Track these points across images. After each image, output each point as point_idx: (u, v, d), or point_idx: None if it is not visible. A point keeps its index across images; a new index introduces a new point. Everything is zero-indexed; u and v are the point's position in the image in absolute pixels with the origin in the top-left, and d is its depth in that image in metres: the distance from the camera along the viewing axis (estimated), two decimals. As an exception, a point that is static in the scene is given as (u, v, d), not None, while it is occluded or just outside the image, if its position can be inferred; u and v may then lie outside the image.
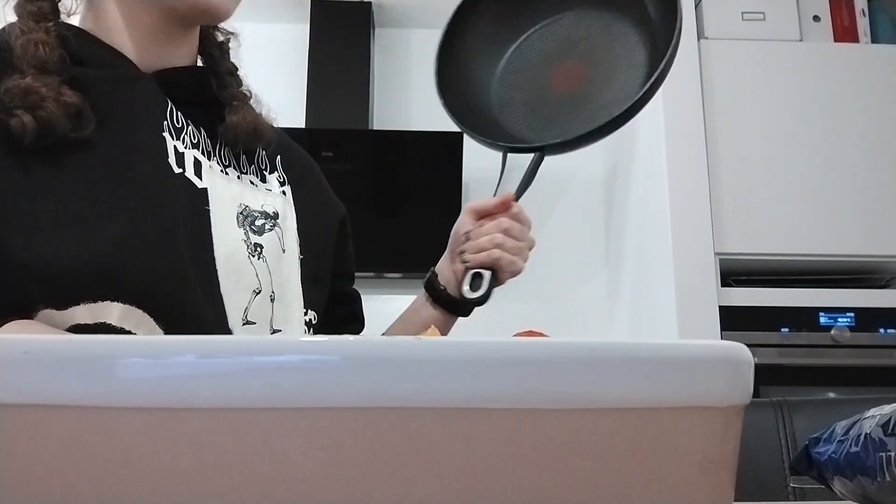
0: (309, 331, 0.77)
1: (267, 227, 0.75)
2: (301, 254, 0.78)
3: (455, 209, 2.50)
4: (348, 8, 2.49)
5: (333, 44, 2.46)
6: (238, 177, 0.76)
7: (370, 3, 2.51)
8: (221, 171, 0.74)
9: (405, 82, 2.66)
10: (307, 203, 0.82)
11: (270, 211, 0.76)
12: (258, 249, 0.73)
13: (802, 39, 2.06)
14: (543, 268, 2.55)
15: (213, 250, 0.68)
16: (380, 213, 2.39)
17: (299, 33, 2.52)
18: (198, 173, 0.71)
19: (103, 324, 0.61)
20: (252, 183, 0.77)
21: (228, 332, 0.68)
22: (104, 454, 0.28)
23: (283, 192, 0.81)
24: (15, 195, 0.62)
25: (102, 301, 0.61)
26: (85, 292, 0.61)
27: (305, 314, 0.77)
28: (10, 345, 0.29)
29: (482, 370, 0.29)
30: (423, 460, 0.29)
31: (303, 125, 2.39)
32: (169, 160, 0.69)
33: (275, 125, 0.83)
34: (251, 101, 0.82)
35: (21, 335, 0.30)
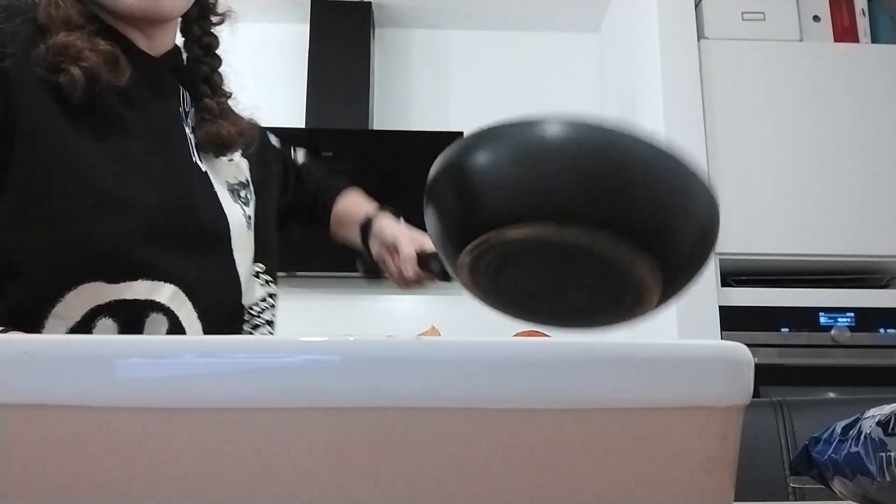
0: (258, 277, 0.81)
1: (249, 197, 0.79)
2: (255, 211, 0.81)
3: (455, 209, 2.49)
4: (348, 8, 2.49)
5: (333, 44, 2.46)
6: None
7: (370, 3, 2.51)
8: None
9: (405, 82, 2.66)
10: (255, 160, 0.85)
11: (244, 179, 0.80)
12: (250, 221, 0.78)
13: (802, 39, 2.06)
14: (543, 268, 2.55)
15: (229, 230, 0.73)
16: (380, 213, 2.39)
17: (299, 33, 2.52)
18: (200, 157, 0.75)
19: (154, 301, 0.65)
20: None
21: (240, 303, 0.74)
22: (104, 454, 0.28)
23: (244, 157, 0.84)
24: (88, 172, 0.64)
25: (158, 281, 0.65)
26: (144, 271, 0.64)
27: (257, 264, 0.81)
28: (10, 345, 0.29)
29: (482, 370, 0.29)
30: (423, 460, 0.29)
31: (303, 125, 2.39)
32: (192, 155, 0.73)
33: (253, 122, 0.85)
34: (231, 100, 0.83)
35: (21, 335, 0.30)
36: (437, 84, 2.66)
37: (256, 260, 0.81)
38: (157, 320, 0.65)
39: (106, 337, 0.30)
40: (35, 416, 0.28)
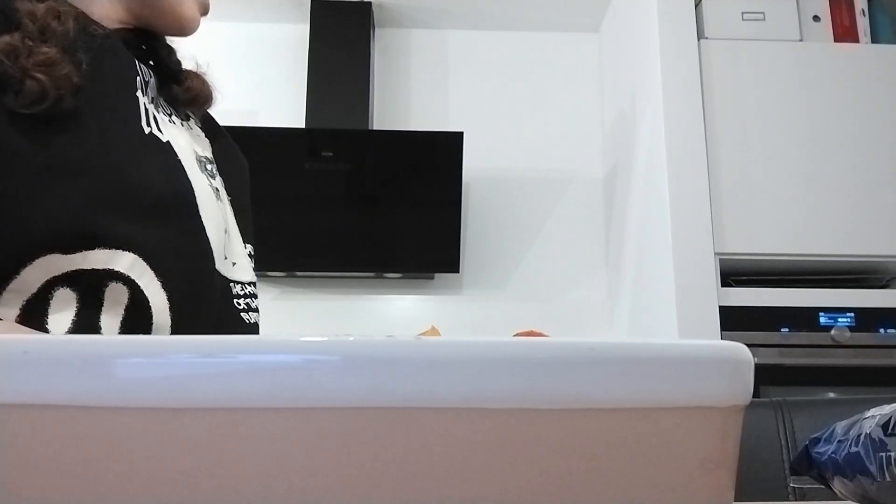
0: (252, 260, 0.82)
1: (215, 171, 0.79)
2: (228, 194, 0.82)
3: (455, 209, 2.52)
4: (348, 8, 2.49)
5: (333, 44, 2.46)
6: (181, 124, 0.79)
7: (370, 3, 2.51)
8: (169, 120, 0.77)
9: (405, 82, 2.66)
10: (218, 145, 0.85)
11: (209, 155, 0.80)
12: (218, 193, 0.77)
13: (802, 39, 2.06)
14: (543, 268, 2.55)
15: (195, 198, 0.72)
16: (379, 213, 2.39)
17: (299, 33, 2.52)
18: (159, 128, 0.73)
19: (112, 270, 0.63)
20: (189, 128, 0.81)
21: (215, 271, 0.73)
22: (104, 454, 0.28)
23: (206, 137, 0.84)
24: (28, 145, 0.62)
25: (116, 249, 0.63)
26: (100, 239, 0.63)
27: (245, 247, 0.82)
28: (10, 345, 0.29)
29: (482, 370, 0.29)
30: (423, 460, 0.29)
31: (303, 125, 2.39)
32: (146, 124, 0.71)
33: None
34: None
35: (21, 335, 0.30)
36: (437, 84, 2.66)
37: (246, 241, 0.81)
38: (117, 289, 0.64)
39: (106, 337, 0.30)
40: (35, 416, 0.28)
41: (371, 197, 2.39)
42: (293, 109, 2.44)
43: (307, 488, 0.29)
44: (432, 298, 2.51)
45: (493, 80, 2.65)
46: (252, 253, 0.83)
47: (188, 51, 0.84)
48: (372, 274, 2.42)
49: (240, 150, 0.91)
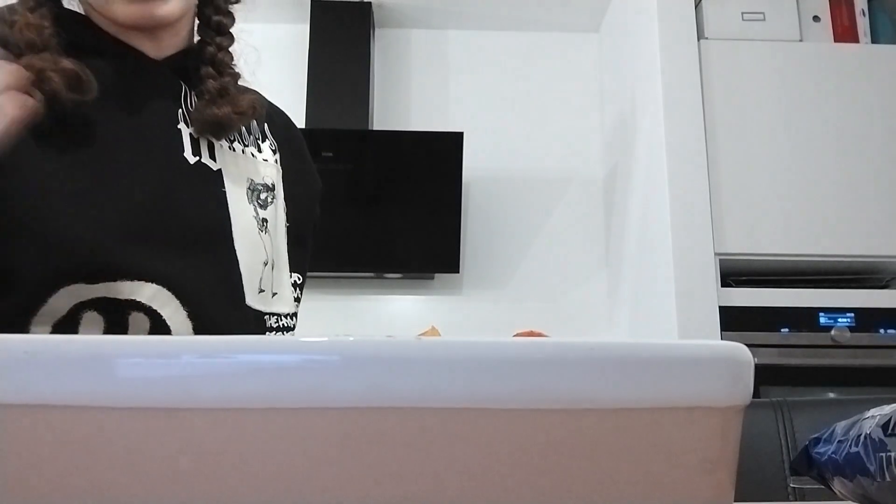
0: (296, 290, 0.82)
1: (269, 200, 0.79)
2: (287, 221, 0.81)
3: (455, 209, 2.52)
4: (348, 8, 2.49)
5: (333, 44, 2.46)
6: (242, 150, 0.79)
7: (370, 3, 2.51)
8: (229, 147, 0.77)
9: (405, 82, 2.66)
10: (292, 169, 0.85)
11: (269, 183, 0.80)
12: (265, 224, 0.77)
13: (802, 39, 2.06)
14: (543, 268, 2.55)
15: (231, 230, 0.72)
16: (379, 213, 2.39)
17: (299, 33, 2.52)
18: (212, 155, 0.74)
19: (133, 301, 0.65)
20: (253, 155, 0.80)
21: (244, 304, 0.73)
22: (104, 454, 0.28)
23: (276, 161, 0.83)
24: (56, 178, 0.64)
25: (139, 280, 0.65)
26: (123, 271, 0.64)
27: (290, 276, 0.82)
28: (10, 345, 0.29)
29: (482, 370, 0.29)
30: (423, 460, 0.29)
31: (303, 125, 2.39)
32: (185, 154, 0.72)
33: (261, 99, 0.83)
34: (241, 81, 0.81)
35: (22, 335, 0.30)
36: (437, 84, 2.65)
37: (294, 271, 0.81)
38: (139, 319, 0.65)
39: (106, 337, 0.30)
40: (35, 416, 0.28)
41: (371, 197, 2.39)
42: (293, 109, 2.43)
43: (307, 488, 0.29)
44: (432, 298, 2.51)
45: (493, 80, 2.65)
46: (297, 282, 0.83)
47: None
48: (372, 274, 2.42)
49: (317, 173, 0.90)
